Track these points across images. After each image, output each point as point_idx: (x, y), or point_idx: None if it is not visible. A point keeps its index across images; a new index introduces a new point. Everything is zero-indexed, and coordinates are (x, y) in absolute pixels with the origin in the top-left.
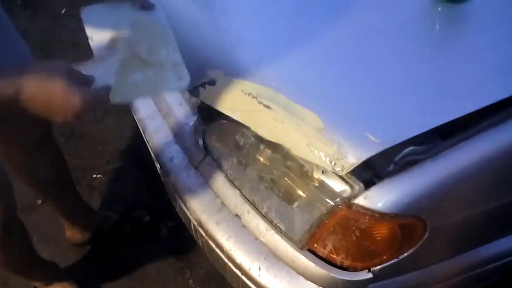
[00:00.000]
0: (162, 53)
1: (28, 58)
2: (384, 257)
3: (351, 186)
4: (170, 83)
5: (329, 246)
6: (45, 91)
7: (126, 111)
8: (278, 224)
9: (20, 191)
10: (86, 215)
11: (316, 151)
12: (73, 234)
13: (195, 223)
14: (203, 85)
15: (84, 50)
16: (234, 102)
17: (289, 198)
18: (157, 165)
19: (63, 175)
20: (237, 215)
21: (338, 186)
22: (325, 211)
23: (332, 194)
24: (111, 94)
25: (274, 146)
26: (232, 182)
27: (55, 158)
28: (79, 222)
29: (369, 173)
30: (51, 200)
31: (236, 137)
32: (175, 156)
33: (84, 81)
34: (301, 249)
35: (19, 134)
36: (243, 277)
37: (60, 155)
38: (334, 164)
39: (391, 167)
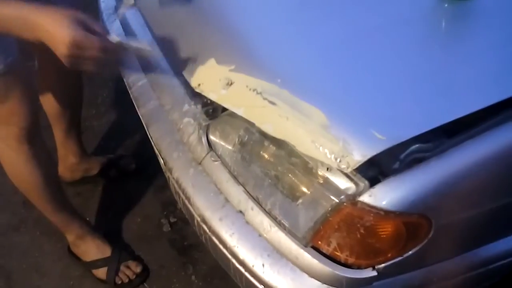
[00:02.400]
0: None
1: None
2: (389, 255)
3: (356, 184)
4: None
5: (333, 244)
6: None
7: (129, 106)
8: (282, 221)
9: None
10: (78, 155)
11: (321, 148)
12: (64, 171)
13: (199, 219)
14: None
15: None
16: (238, 98)
17: (293, 195)
18: (161, 161)
19: (77, 109)
20: (240, 212)
21: (343, 183)
22: (329, 208)
23: (337, 191)
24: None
25: (279, 143)
26: (236, 178)
27: (79, 90)
28: (71, 160)
29: (374, 170)
30: (58, 127)
31: (240, 133)
32: (179, 152)
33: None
34: (305, 246)
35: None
36: (247, 274)
37: (81, 90)
38: (339, 161)
39: (396, 165)
